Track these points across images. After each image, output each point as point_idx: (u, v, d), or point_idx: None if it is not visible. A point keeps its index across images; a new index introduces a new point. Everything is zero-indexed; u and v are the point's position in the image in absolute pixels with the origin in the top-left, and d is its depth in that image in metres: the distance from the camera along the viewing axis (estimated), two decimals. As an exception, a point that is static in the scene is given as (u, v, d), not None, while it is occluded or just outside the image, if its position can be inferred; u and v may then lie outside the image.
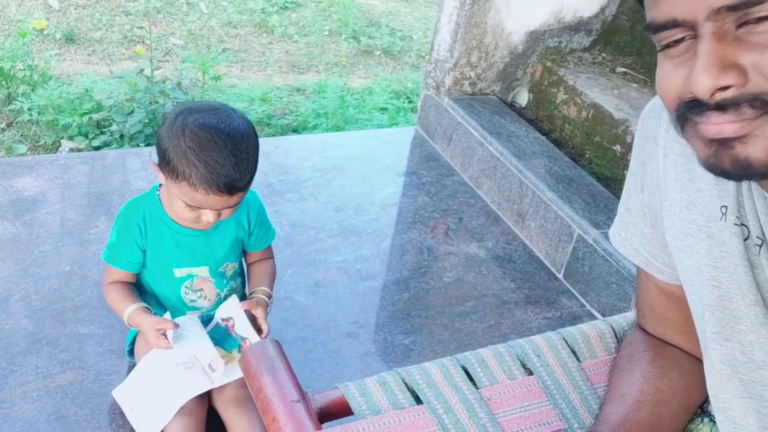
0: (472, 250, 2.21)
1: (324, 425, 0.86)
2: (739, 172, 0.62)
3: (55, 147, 2.73)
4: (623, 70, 2.65)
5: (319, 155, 2.56)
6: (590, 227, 2.03)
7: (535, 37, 2.61)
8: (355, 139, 2.76)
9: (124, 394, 1.49)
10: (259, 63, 3.92)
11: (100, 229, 2.03)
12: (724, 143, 0.62)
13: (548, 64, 2.63)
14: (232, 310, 1.50)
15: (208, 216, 1.39)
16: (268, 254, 1.64)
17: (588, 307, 2.04)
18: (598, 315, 1.98)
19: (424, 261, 2.13)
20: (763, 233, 0.71)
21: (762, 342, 0.72)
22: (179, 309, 1.54)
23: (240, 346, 1.50)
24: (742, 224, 0.73)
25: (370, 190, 2.41)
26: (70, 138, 2.75)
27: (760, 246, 0.72)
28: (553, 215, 2.14)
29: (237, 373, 1.46)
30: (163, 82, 2.85)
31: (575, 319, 1.99)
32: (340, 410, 0.90)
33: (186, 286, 1.52)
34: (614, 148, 2.34)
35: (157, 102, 2.76)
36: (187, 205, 1.37)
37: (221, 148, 1.32)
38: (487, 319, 1.95)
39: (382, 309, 1.93)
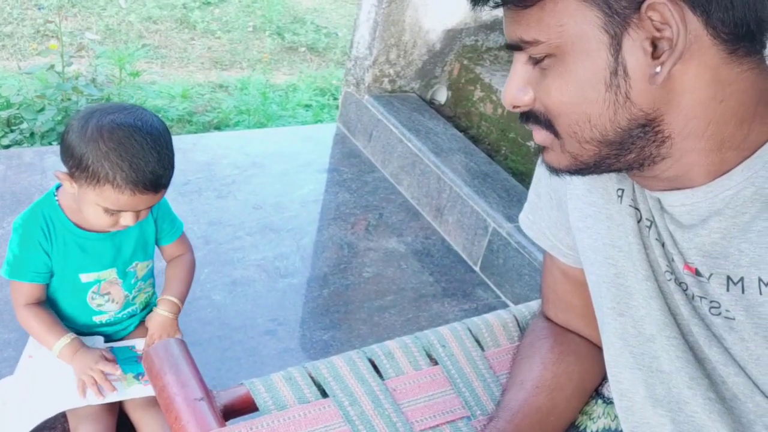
0: (392, 245, 2.24)
1: (228, 422, 0.86)
2: (552, 172, 0.77)
3: (-39, 146, 2.63)
4: (538, 67, 2.72)
5: (238, 152, 2.54)
6: (504, 221, 2.08)
7: (453, 36, 2.66)
8: (276, 135, 2.75)
9: (5, 387, 1.45)
10: (181, 59, 3.85)
11: (6, 230, 1.96)
12: (542, 148, 0.77)
13: (465, 62, 2.68)
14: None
15: (126, 219, 1.36)
16: (184, 248, 1.60)
17: (503, 298, 2.09)
18: (512, 305, 2.04)
19: (344, 257, 2.15)
20: (651, 215, 0.76)
21: (652, 315, 0.77)
22: (83, 316, 1.50)
23: (137, 375, 1.46)
24: (636, 207, 0.78)
25: (291, 187, 2.41)
26: (-22, 136, 2.65)
27: (649, 227, 0.77)
28: (469, 210, 2.19)
29: (128, 394, 1.43)
30: (77, 78, 2.77)
31: (491, 309, 2.03)
32: (245, 407, 0.91)
33: (93, 291, 1.48)
34: (528, 144, 2.41)
35: (69, 99, 2.68)
36: (105, 210, 1.33)
37: (143, 146, 1.29)
38: (405, 312, 1.98)
39: (301, 306, 1.94)
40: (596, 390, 1.02)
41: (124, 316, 1.53)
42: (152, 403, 1.41)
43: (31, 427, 1.37)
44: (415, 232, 2.32)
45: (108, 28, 3.94)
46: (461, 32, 2.67)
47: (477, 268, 2.19)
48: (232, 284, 1.93)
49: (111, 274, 1.48)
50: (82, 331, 1.49)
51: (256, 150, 2.57)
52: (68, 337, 1.41)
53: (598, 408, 1.00)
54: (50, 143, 2.57)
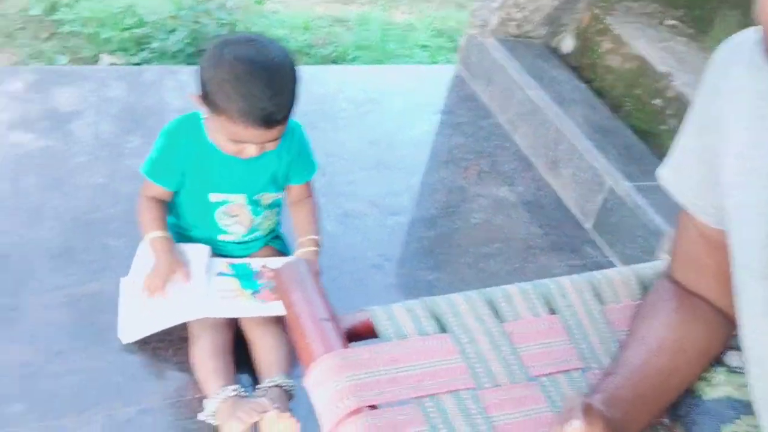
0: (503, 193, 2.22)
1: (350, 344, 0.89)
2: None
3: (94, 61, 2.75)
4: (672, 22, 2.59)
5: (355, 87, 2.55)
6: (622, 179, 2.02)
7: (586, -18, 2.55)
8: (394, 73, 2.74)
9: (128, 287, 1.54)
10: (303, -10, 3.86)
11: (134, 144, 2.06)
12: None
13: (596, 11, 2.57)
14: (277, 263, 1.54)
15: (250, 149, 1.40)
16: (308, 192, 1.64)
17: (612, 258, 2.04)
18: (620, 266, 1.99)
19: (453, 201, 2.14)
20: None
21: None
22: (209, 232, 1.57)
23: (254, 292, 1.52)
24: None
25: (406, 127, 2.41)
26: (111, 53, 2.77)
27: None
28: (586, 165, 2.13)
29: (242, 311, 1.48)
30: (208, 1, 2.83)
31: (599, 268, 1.98)
32: (366, 332, 0.93)
33: (221, 211, 1.54)
34: (654, 102, 2.31)
35: (199, 22, 2.76)
36: (229, 138, 1.38)
37: (259, 81, 1.32)
38: (511, 261, 1.96)
39: (408, 244, 1.96)
40: (717, 359, 0.99)
41: (249, 239, 1.59)
42: (267, 320, 1.47)
43: (156, 330, 1.46)
44: (527, 183, 2.28)
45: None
46: (595, -21, 2.55)
47: (588, 225, 2.14)
48: (344, 216, 1.97)
49: (240, 198, 1.54)
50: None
51: (374, 86, 2.58)
52: (161, 234, 1.48)
53: (718, 376, 0.97)
54: (178, 64, 2.66)
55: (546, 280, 1.06)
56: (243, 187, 1.52)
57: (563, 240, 2.08)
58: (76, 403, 1.39)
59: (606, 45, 2.51)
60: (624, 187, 2.00)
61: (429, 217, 2.07)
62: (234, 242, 1.58)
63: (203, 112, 1.41)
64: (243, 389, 1.36)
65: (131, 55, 2.75)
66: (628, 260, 1.98)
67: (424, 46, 3.35)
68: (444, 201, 2.14)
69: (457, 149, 2.36)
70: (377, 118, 2.41)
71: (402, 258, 1.91)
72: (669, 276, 1.05)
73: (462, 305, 0.97)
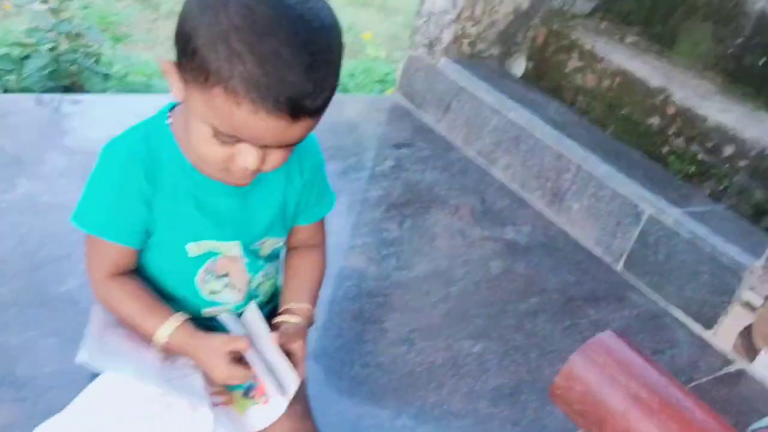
0: (509, 235, 1.76)
1: None
2: None
3: None
4: (633, 38, 2.34)
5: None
6: (668, 205, 1.65)
7: (543, -7, 2.24)
8: (337, 105, 2.23)
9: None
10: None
11: (20, 191, 1.38)
12: None
13: (555, 27, 2.26)
14: (252, 324, 0.94)
15: (246, 156, 0.80)
16: (319, 237, 1.06)
17: (664, 303, 1.65)
18: (679, 313, 1.61)
19: (459, 246, 1.66)
20: None
21: None
22: (187, 305, 0.95)
23: (247, 389, 0.92)
24: None
25: (371, 162, 1.90)
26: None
27: None
28: (609, 193, 1.75)
29: (237, 425, 0.90)
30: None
31: (654, 318, 1.60)
32: None
33: (205, 270, 0.93)
34: (650, 121, 2.00)
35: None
36: (215, 133, 0.78)
37: (289, 37, 0.74)
38: (559, 319, 1.51)
39: (434, 310, 1.44)
40: None
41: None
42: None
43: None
44: (531, 222, 1.85)
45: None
46: (552, -9, 2.25)
47: (618, 267, 1.74)
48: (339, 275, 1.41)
49: (233, 248, 0.93)
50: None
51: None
52: (180, 319, 0.88)
53: None
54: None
55: None
56: (237, 231, 0.91)
57: (602, 287, 1.66)
58: None
59: (573, 63, 2.19)
60: (672, 214, 1.63)
61: (442, 270, 1.56)
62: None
63: (177, 92, 0.81)
64: None
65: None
66: (690, 304, 1.60)
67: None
68: (449, 247, 1.64)
69: (437, 186, 1.88)
70: (336, 155, 1.88)
71: (437, 328, 1.38)
72: None
73: None
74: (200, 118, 0.77)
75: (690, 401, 0.53)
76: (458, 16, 2.12)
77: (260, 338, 0.90)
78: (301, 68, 0.74)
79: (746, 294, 1.50)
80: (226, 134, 0.77)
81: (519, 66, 2.35)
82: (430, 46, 2.21)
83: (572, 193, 1.83)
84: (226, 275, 0.95)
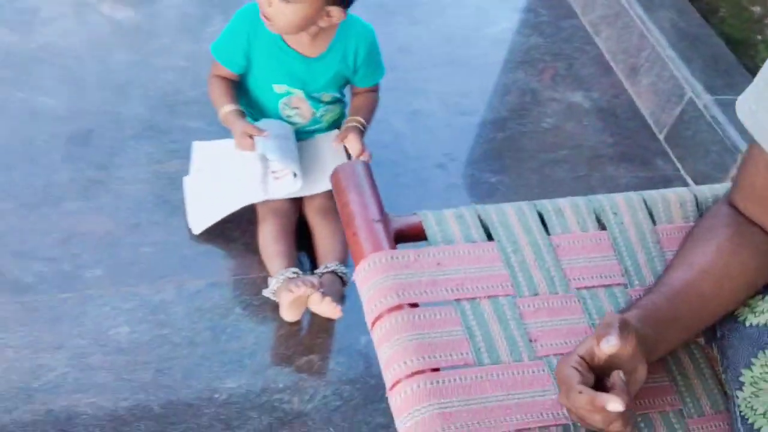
0: (577, 98, 2.17)
1: (399, 245, 0.94)
2: None
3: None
4: None
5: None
6: (703, 91, 1.94)
7: None
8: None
9: (191, 184, 1.62)
10: None
11: (215, 28, 2.09)
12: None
13: None
14: (283, 129, 1.57)
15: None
16: (373, 90, 1.66)
17: (682, 172, 2.00)
18: (690, 181, 1.95)
19: (525, 103, 2.12)
20: None
21: None
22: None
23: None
24: None
25: (483, 23, 2.35)
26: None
27: None
28: (668, 74, 2.06)
29: (294, 189, 1.53)
30: None
31: (666, 181, 1.97)
32: (415, 235, 0.97)
33: (284, 103, 1.58)
34: (753, 9, 2.17)
35: None
36: None
37: None
38: (577, 170, 1.95)
39: (475, 145, 1.97)
40: (765, 286, 0.99)
41: (313, 128, 1.64)
42: (329, 212, 1.54)
43: (221, 217, 1.55)
44: (604, 89, 2.22)
45: None
46: None
47: (661, 137, 2.09)
48: (412, 113, 1.98)
49: (299, 93, 1.57)
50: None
51: (455, -22, 2.50)
52: (233, 107, 1.52)
53: (764, 304, 0.97)
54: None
55: (599, 196, 1.07)
56: (302, 83, 1.55)
57: (634, 151, 2.05)
58: (150, 272, 1.50)
59: (705, -56, 2.35)
60: (705, 99, 1.93)
61: (499, 119, 2.05)
62: (295, 130, 1.62)
63: None
64: (302, 272, 1.45)
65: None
66: (698, 177, 1.94)
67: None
68: (516, 103, 2.12)
69: (535, 50, 2.30)
70: (455, 13, 2.36)
71: (467, 159, 1.92)
72: (729, 202, 1.04)
73: (512, 215, 0.99)
74: None
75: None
76: None
77: (287, 140, 1.55)
78: None
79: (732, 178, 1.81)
80: None
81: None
82: None
83: (644, 69, 2.15)
84: (297, 108, 1.60)
